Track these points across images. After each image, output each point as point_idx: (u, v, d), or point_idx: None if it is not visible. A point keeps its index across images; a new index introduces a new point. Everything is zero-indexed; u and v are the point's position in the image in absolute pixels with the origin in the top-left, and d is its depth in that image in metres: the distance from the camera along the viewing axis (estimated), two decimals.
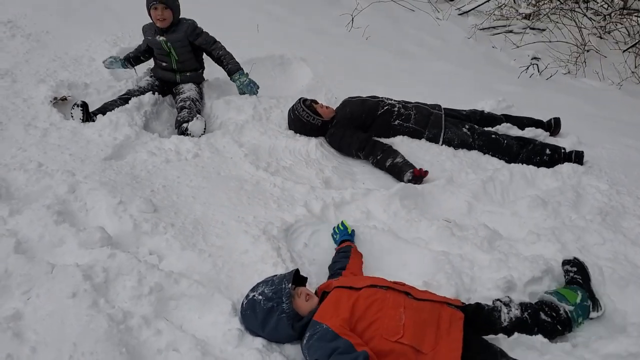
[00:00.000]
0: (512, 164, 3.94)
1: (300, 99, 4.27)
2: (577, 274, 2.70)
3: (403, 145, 4.07)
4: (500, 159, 4.05)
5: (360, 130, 4.14)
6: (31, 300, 2.35)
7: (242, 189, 3.46)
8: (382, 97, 4.34)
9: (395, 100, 4.31)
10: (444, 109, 4.29)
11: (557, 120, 4.46)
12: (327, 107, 4.29)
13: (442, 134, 4.12)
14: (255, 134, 4.16)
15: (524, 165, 3.90)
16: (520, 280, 2.70)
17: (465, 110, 4.42)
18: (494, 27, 8.09)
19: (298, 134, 4.22)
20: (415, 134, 4.15)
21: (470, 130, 4.12)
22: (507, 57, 7.22)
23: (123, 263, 2.56)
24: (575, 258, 2.80)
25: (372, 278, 2.49)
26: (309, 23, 7.00)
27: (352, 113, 4.21)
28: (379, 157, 3.94)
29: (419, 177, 3.69)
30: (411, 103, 4.32)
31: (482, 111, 4.50)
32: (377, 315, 2.23)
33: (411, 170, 3.72)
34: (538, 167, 3.89)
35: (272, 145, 4.08)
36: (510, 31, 7.95)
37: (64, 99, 4.24)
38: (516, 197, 3.61)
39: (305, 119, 4.16)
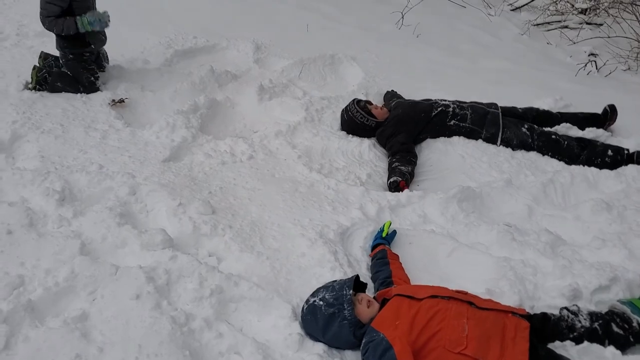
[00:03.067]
0: (573, 166, 3.80)
1: (354, 100, 4.24)
2: None
3: (459, 145, 3.98)
4: (560, 160, 3.91)
5: (413, 132, 4.06)
6: (96, 301, 2.42)
7: (296, 191, 3.46)
8: (435, 99, 4.26)
9: (449, 101, 4.22)
10: (501, 107, 4.18)
11: (612, 107, 4.26)
12: (381, 108, 4.26)
13: (500, 134, 4.00)
14: (308, 135, 4.15)
15: (585, 167, 3.76)
16: (587, 289, 2.60)
17: (521, 108, 4.30)
18: (548, 23, 7.84)
19: (350, 135, 4.20)
20: (472, 134, 4.05)
21: (529, 130, 4.00)
22: (562, 54, 6.98)
23: (184, 265, 2.60)
24: None
25: (434, 287, 2.43)
26: (358, 21, 6.94)
27: (404, 114, 4.14)
28: (395, 158, 3.86)
29: (398, 187, 3.59)
30: (466, 103, 4.22)
31: (537, 108, 4.37)
32: (440, 326, 2.19)
33: (398, 178, 3.63)
34: (600, 168, 3.74)
35: (325, 146, 4.06)
36: (566, 27, 7.67)
37: (121, 101, 4.33)
38: (578, 201, 3.48)
39: (359, 120, 4.13)
